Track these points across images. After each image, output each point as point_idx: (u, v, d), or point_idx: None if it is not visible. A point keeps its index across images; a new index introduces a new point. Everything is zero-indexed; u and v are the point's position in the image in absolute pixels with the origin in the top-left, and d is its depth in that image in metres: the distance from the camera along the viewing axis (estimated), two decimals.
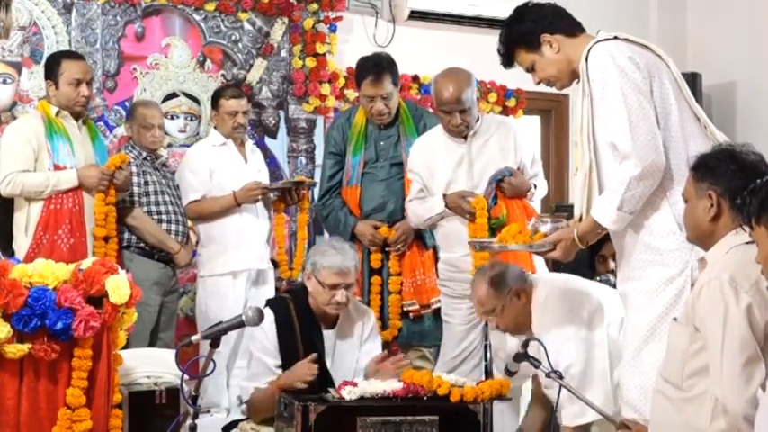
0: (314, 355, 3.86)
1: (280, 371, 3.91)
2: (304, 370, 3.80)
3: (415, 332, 4.87)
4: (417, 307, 4.81)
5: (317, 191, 5.83)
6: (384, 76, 4.82)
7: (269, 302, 4.16)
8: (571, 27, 3.49)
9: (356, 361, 4.09)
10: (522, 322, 3.83)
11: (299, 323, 4.01)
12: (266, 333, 3.94)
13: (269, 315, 3.92)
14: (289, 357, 3.96)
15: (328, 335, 4.07)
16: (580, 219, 3.38)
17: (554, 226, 3.56)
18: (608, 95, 3.25)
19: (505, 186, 4.47)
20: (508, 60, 3.61)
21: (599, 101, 3.28)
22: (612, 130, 3.25)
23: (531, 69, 3.55)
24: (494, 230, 4.38)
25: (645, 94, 3.25)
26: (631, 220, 3.31)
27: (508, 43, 3.57)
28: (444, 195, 4.51)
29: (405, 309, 4.81)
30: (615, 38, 3.35)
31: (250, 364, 4.07)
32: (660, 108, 3.26)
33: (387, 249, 4.85)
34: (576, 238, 3.36)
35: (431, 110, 5.17)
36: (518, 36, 3.52)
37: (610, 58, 3.26)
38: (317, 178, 6.03)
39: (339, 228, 4.91)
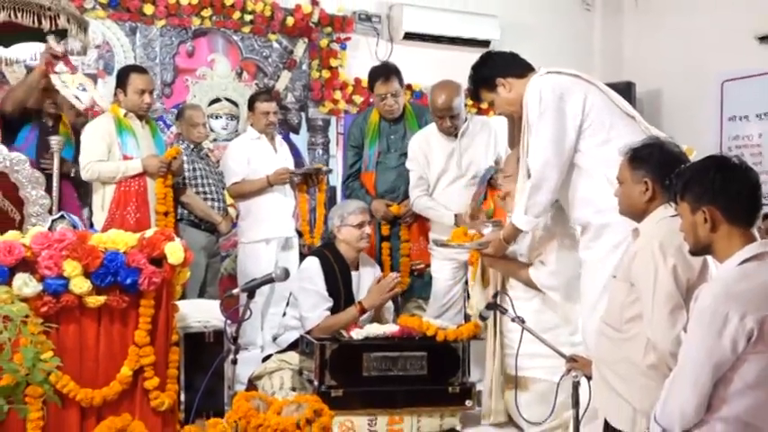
0: (391, 275, 4.16)
1: (331, 299, 4.05)
2: (381, 291, 4.05)
3: (417, 286, 4.85)
4: (423, 266, 4.80)
5: (335, 176, 5.83)
6: (392, 77, 4.78)
7: (313, 253, 4.31)
8: (521, 70, 3.55)
9: None
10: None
11: (336, 266, 4.13)
12: (315, 274, 4.07)
13: (315, 262, 4.13)
14: (331, 291, 4.08)
15: (354, 275, 4.21)
16: None
17: (494, 229, 3.76)
18: (532, 123, 3.35)
19: (494, 182, 4.43)
20: (475, 96, 3.71)
21: (531, 126, 3.37)
22: (530, 151, 3.37)
23: (491, 104, 3.68)
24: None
25: (557, 121, 3.34)
26: (584, 202, 3.34)
27: (473, 84, 3.65)
28: (456, 215, 4.47)
29: (413, 267, 4.79)
30: (548, 72, 3.42)
31: (304, 301, 4.08)
32: (594, 118, 3.33)
33: (398, 222, 4.81)
34: (501, 238, 3.50)
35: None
36: (479, 79, 3.62)
37: (537, 92, 3.37)
38: (332, 165, 6.06)
39: None
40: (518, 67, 3.55)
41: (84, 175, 4.46)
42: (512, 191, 3.74)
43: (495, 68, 3.55)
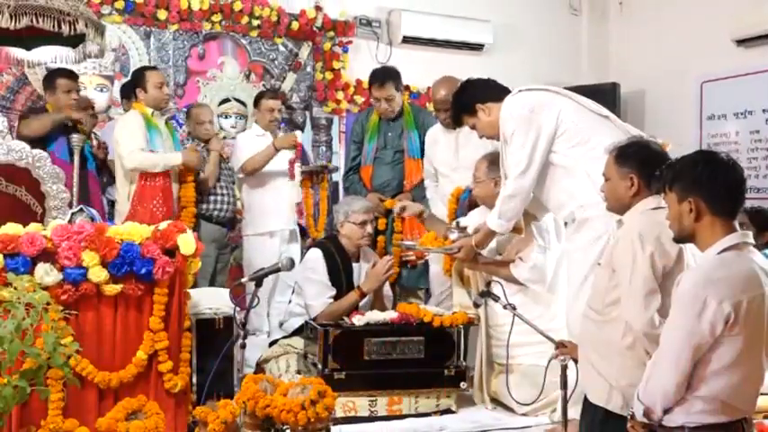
0: (385, 257, 4.09)
1: (334, 288, 4.02)
2: (377, 274, 3.98)
3: (412, 276, 4.81)
4: (414, 258, 4.77)
5: (338, 172, 5.81)
6: (387, 83, 4.72)
7: (316, 245, 4.26)
8: (499, 94, 3.56)
9: None
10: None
11: (338, 257, 4.11)
12: (318, 265, 4.05)
13: (319, 253, 4.09)
14: (334, 281, 4.06)
15: (355, 266, 4.19)
16: None
17: (459, 235, 3.77)
18: (507, 137, 3.41)
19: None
20: (458, 122, 3.72)
21: (507, 140, 3.43)
22: (506, 163, 3.43)
23: (473, 127, 3.65)
24: None
25: (528, 134, 3.37)
26: (568, 198, 3.36)
27: (455, 111, 3.65)
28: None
29: (403, 259, 4.76)
30: (520, 91, 3.45)
31: (308, 289, 4.05)
32: (569, 124, 3.36)
33: (393, 216, 4.73)
34: (473, 244, 3.52)
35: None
36: (460, 106, 3.63)
37: (509, 111, 3.41)
38: (334, 161, 6.04)
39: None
40: (495, 92, 3.55)
41: (128, 164, 4.33)
42: (482, 195, 3.89)
43: (474, 95, 3.56)
